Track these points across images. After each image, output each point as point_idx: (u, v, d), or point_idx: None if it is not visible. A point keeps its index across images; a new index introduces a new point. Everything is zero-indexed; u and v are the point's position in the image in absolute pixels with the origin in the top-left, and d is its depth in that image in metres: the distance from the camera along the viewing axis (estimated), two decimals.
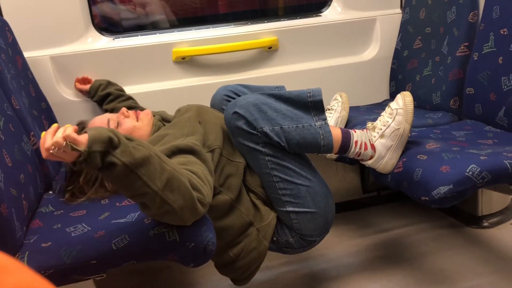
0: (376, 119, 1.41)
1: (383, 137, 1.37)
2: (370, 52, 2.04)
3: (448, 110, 1.73)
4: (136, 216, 1.12)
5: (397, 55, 2.01)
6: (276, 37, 1.91)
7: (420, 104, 1.86)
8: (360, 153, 1.38)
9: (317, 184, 1.35)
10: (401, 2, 2.06)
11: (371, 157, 1.39)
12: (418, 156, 1.33)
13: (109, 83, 1.72)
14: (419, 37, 1.90)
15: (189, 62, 1.86)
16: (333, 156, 1.63)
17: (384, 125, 1.37)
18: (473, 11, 1.65)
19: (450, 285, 1.53)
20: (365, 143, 1.37)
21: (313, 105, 1.31)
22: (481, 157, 1.24)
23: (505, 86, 1.48)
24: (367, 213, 2.07)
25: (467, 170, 1.19)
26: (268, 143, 1.27)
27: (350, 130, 1.39)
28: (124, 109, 1.44)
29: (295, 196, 1.31)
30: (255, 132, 1.25)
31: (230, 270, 1.36)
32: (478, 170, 1.19)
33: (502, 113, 1.50)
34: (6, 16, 1.62)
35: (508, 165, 1.20)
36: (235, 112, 1.25)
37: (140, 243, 1.04)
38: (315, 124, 1.31)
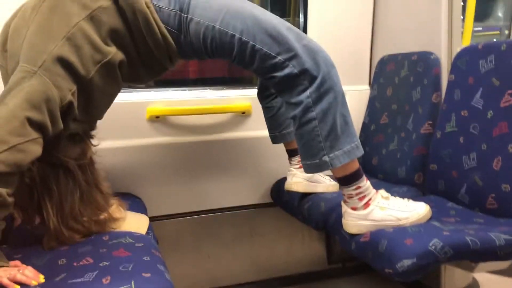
0: None
1: (383, 209, 1.37)
2: None
3: (412, 184, 1.78)
4: (94, 275, 1.08)
5: (365, 129, 2.08)
6: (249, 103, 1.96)
7: (386, 178, 1.91)
8: (352, 196, 1.36)
9: None
10: (370, 79, 2.17)
11: (354, 208, 1.37)
12: (385, 228, 1.35)
13: None
14: (386, 113, 1.99)
15: (163, 121, 1.87)
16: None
17: (394, 207, 1.37)
18: (436, 92, 1.75)
19: None
20: (365, 195, 1.37)
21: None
22: (444, 232, 1.26)
23: (466, 165, 1.55)
24: (332, 285, 2.05)
25: (430, 244, 1.20)
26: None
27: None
28: None
29: None
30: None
31: None
32: (440, 245, 1.20)
33: (464, 190, 1.55)
34: None
35: (470, 242, 1.23)
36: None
37: None
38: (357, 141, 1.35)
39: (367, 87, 2.16)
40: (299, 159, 1.71)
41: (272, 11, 1.48)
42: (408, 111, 1.85)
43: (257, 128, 1.99)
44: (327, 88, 1.30)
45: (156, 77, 1.43)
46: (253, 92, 2.00)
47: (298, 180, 1.72)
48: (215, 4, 1.29)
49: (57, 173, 1.25)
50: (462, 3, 1.82)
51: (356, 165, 1.36)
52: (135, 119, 1.83)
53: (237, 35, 1.28)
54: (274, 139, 1.78)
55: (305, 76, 1.29)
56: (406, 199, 1.43)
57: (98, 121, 1.79)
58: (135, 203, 1.69)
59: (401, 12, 2.03)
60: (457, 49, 1.74)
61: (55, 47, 1.15)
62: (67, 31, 1.17)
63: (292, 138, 1.73)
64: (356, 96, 2.11)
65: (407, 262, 1.19)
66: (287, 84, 1.32)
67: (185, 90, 1.96)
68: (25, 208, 1.30)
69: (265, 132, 1.98)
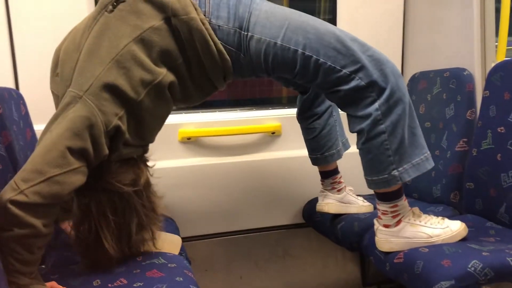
0: None
1: (414, 226, 1.34)
2: None
3: (448, 203, 1.73)
4: None
5: None
6: (279, 123, 1.97)
7: (420, 197, 1.87)
8: (387, 212, 1.34)
9: None
10: None
11: (386, 226, 1.35)
12: (419, 248, 1.31)
13: None
14: None
15: (194, 143, 1.90)
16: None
17: (426, 224, 1.35)
18: (471, 109, 1.71)
19: None
20: (399, 213, 1.34)
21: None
22: (483, 253, 1.22)
23: (505, 183, 1.49)
24: None
25: (469, 266, 1.16)
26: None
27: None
28: None
29: None
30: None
31: None
32: (480, 266, 1.16)
33: (503, 209, 1.50)
34: (22, 89, 1.69)
35: (511, 263, 1.18)
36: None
37: None
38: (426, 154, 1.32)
39: None
40: (333, 181, 1.69)
41: None
42: (442, 129, 1.81)
43: (287, 148, 1.99)
44: (396, 100, 1.26)
45: (206, 97, 1.39)
46: (282, 112, 2.01)
47: (330, 201, 1.70)
48: (276, 20, 1.25)
49: (113, 200, 1.22)
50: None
51: (400, 184, 1.34)
52: (168, 140, 1.86)
53: (300, 50, 1.24)
54: (316, 161, 1.71)
55: (373, 88, 1.26)
56: (440, 217, 1.40)
57: None
58: (168, 224, 1.71)
59: (431, 28, 2.01)
60: (491, 64, 1.70)
61: (102, 70, 1.15)
62: (115, 53, 1.17)
63: (333, 160, 1.69)
64: None
65: (445, 284, 1.15)
66: (353, 97, 1.28)
67: (215, 111, 1.99)
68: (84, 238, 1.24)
69: (295, 152, 1.98)
